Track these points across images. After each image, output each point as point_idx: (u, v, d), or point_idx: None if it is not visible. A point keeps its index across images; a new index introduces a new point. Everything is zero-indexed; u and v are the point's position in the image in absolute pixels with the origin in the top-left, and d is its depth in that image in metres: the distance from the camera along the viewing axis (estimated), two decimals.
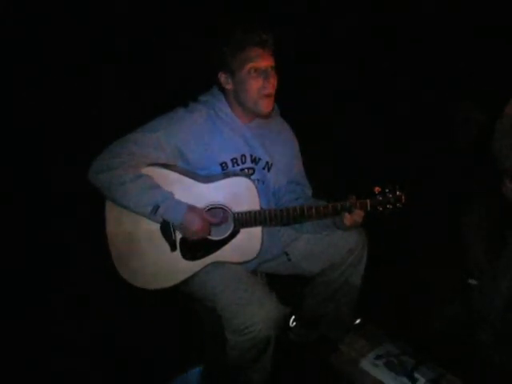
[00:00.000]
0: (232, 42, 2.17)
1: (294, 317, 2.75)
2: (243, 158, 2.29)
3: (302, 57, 3.73)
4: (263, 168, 2.35)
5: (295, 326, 2.75)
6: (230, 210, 2.21)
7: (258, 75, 2.17)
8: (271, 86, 2.20)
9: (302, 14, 3.78)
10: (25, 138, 3.56)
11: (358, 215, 2.21)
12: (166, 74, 3.59)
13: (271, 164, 2.36)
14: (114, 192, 2.11)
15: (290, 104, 2.48)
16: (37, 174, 3.65)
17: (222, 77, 2.24)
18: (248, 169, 2.31)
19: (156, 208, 2.10)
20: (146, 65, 3.61)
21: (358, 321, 2.68)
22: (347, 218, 2.21)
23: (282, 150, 2.41)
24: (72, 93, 3.58)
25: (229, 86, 2.24)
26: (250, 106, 2.23)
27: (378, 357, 2.26)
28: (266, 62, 2.17)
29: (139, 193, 2.09)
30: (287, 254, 2.45)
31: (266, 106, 2.22)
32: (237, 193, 2.21)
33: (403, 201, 2.26)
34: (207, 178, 2.21)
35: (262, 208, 2.23)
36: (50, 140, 3.65)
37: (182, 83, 3.35)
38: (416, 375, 2.16)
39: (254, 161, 2.32)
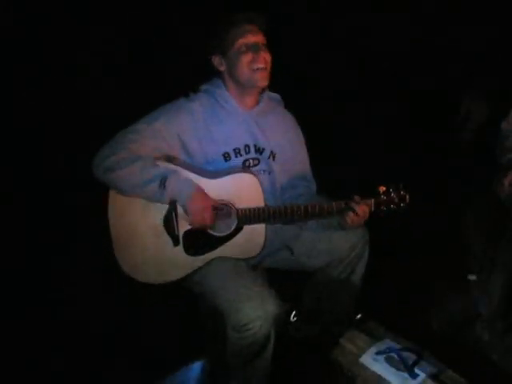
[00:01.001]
0: (221, 22, 2.23)
1: (294, 312, 2.75)
2: (247, 149, 2.30)
3: (302, 56, 3.74)
4: (268, 158, 2.36)
5: (296, 321, 2.75)
6: (233, 206, 2.22)
7: (247, 50, 2.21)
8: (262, 59, 2.22)
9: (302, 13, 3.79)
10: (25, 138, 3.56)
11: (363, 214, 2.23)
12: (166, 72, 3.59)
13: (275, 154, 2.37)
14: (118, 176, 2.11)
15: (290, 104, 2.49)
16: (37, 173, 3.64)
17: (216, 60, 2.28)
18: (253, 159, 2.32)
19: (163, 181, 2.09)
20: (147, 64, 3.61)
21: (358, 316, 2.68)
22: (351, 218, 2.22)
23: (285, 142, 2.43)
24: (72, 92, 3.58)
25: (222, 68, 2.28)
26: (245, 81, 2.25)
27: (378, 352, 2.28)
28: (255, 37, 2.22)
29: (145, 169, 2.10)
30: (290, 249, 2.47)
31: (259, 79, 2.24)
32: (241, 189, 2.22)
33: (407, 200, 2.28)
34: (211, 174, 2.22)
35: (266, 205, 2.24)
36: (50, 140, 3.65)
37: (182, 81, 3.36)
38: (416, 370, 2.18)
39: (259, 151, 2.34)
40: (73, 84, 3.61)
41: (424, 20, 3.82)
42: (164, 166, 2.15)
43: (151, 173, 2.10)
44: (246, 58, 2.21)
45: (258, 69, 2.22)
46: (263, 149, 2.34)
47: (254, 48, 2.21)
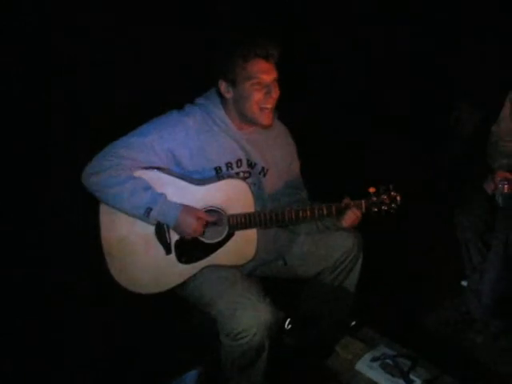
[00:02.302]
0: (237, 53, 2.15)
1: (289, 319, 2.73)
2: (239, 163, 2.29)
3: (300, 55, 3.73)
4: (259, 173, 2.35)
5: (290, 328, 2.73)
6: (224, 212, 2.21)
7: (260, 88, 2.17)
8: (272, 100, 2.20)
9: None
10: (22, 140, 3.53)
11: (354, 216, 2.23)
12: (162, 75, 3.57)
13: (267, 170, 2.36)
14: (106, 194, 2.12)
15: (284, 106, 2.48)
16: (35, 175, 3.61)
17: (223, 85, 2.22)
18: (244, 172, 2.31)
19: (149, 210, 2.10)
20: (143, 66, 3.58)
21: (353, 323, 2.67)
22: (344, 220, 2.23)
23: (278, 156, 2.41)
24: (68, 94, 3.55)
25: (229, 95, 2.23)
26: (250, 118, 2.22)
27: (373, 358, 2.26)
28: (269, 76, 2.17)
29: (131, 195, 2.10)
30: (283, 259, 2.46)
31: (266, 119, 2.22)
32: (231, 195, 2.21)
33: (398, 202, 2.28)
34: (201, 181, 2.21)
35: (256, 210, 2.24)
36: (45, 142, 3.62)
37: (178, 85, 3.35)
38: (412, 376, 2.16)
39: (250, 165, 2.32)
40: (69, 85, 3.57)
41: (423, 21, 3.83)
42: (151, 191, 2.14)
43: (137, 200, 2.11)
44: (257, 96, 2.16)
45: (266, 108, 2.19)
46: (255, 164, 2.33)
47: (266, 88, 2.17)
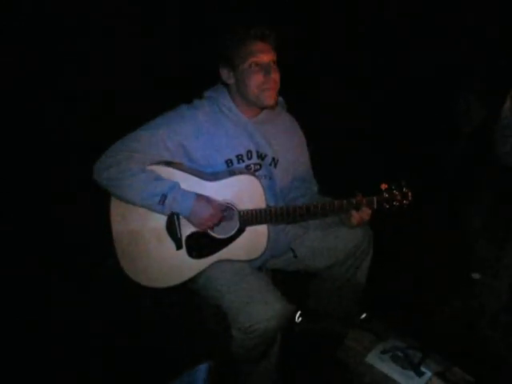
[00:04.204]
0: (233, 36, 2.17)
1: (299, 312, 2.75)
2: (249, 154, 2.28)
3: (302, 54, 3.73)
4: (270, 164, 2.34)
5: (301, 321, 2.75)
6: (235, 208, 2.21)
7: (259, 70, 2.16)
8: (272, 81, 2.18)
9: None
10: (25, 138, 3.54)
11: (365, 213, 2.22)
12: (170, 69, 3.57)
13: (277, 160, 2.35)
14: (119, 187, 2.11)
15: (291, 102, 2.48)
16: (37, 172, 3.63)
17: (224, 72, 2.24)
18: (254, 164, 2.30)
19: (164, 198, 2.09)
20: (151, 62, 3.58)
21: (363, 315, 2.68)
22: (354, 216, 2.22)
23: (288, 147, 2.41)
24: (72, 90, 3.55)
25: (230, 81, 2.24)
26: (253, 100, 2.22)
27: (384, 351, 2.27)
28: (267, 56, 2.16)
29: (145, 184, 2.09)
30: (293, 251, 2.46)
31: (268, 98, 2.21)
32: (242, 191, 2.21)
33: (410, 198, 2.27)
34: (213, 176, 2.21)
35: (267, 206, 2.23)
36: (51, 139, 3.63)
37: (186, 80, 3.35)
38: (422, 369, 2.17)
39: (261, 157, 2.32)
40: (73, 81, 3.58)
41: (424, 14, 3.82)
42: (164, 180, 2.14)
43: (152, 189, 2.10)
44: (257, 79, 2.16)
45: (266, 89, 2.18)
46: (265, 155, 2.33)
47: (265, 69, 2.16)
